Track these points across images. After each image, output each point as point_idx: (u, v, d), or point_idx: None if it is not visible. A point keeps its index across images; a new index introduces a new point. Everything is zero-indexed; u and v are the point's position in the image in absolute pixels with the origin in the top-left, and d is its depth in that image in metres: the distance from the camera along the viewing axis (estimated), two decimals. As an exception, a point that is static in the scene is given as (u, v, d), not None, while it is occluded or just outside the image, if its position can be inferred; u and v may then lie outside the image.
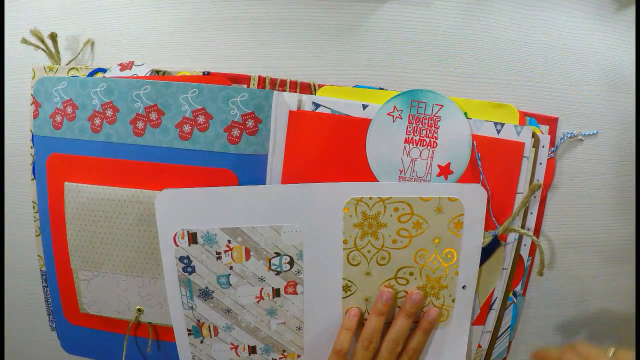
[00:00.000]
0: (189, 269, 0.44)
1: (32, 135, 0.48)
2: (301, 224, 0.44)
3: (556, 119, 0.47)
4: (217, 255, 0.44)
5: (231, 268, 0.44)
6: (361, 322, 0.46)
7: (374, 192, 0.43)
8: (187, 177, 0.44)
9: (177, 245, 0.44)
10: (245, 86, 0.45)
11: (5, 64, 0.51)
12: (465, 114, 0.44)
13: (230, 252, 0.44)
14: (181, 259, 0.44)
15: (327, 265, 0.45)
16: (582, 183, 0.48)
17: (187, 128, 0.44)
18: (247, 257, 0.44)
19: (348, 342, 0.44)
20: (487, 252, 0.46)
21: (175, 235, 0.43)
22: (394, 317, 0.45)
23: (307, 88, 0.45)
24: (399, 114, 0.44)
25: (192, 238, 0.44)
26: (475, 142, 0.44)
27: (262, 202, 0.43)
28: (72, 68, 0.48)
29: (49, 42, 0.48)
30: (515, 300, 0.49)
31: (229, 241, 0.44)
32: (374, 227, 0.44)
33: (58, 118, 0.45)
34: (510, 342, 0.51)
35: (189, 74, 0.46)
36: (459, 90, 0.46)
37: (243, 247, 0.44)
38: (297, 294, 0.46)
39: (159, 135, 0.44)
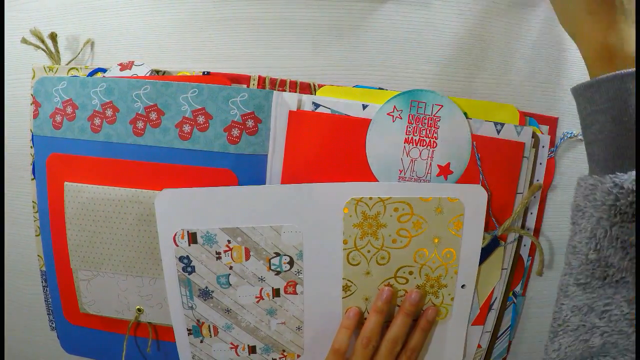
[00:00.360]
0: (189, 269, 0.44)
1: (32, 135, 0.48)
2: (301, 224, 0.44)
3: (556, 119, 0.47)
4: (217, 255, 0.44)
5: (231, 268, 0.44)
6: (361, 321, 0.46)
7: (374, 192, 0.43)
8: (187, 177, 0.44)
9: (177, 245, 0.44)
10: (245, 86, 0.45)
11: (5, 64, 0.51)
12: (465, 114, 0.44)
13: (230, 252, 0.44)
14: (181, 258, 0.44)
15: (327, 266, 0.45)
16: (582, 183, 0.48)
17: (187, 128, 0.44)
18: (247, 257, 0.44)
19: (346, 341, 0.44)
20: (487, 251, 0.46)
21: (175, 235, 0.43)
22: (394, 317, 0.45)
23: (307, 88, 0.45)
24: (399, 114, 0.44)
25: (192, 238, 0.44)
26: (475, 142, 0.44)
27: (262, 202, 0.43)
28: (72, 68, 0.48)
29: (49, 42, 0.48)
30: (515, 300, 0.49)
31: (229, 241, 0.44)
32: (373, 227, 0.44)
33: (58, 118, 0.45)
34: (510, 342, 0.51)
35: (188, 74, 0.46)
36: (459, 90, 0.46)
37: (243, 247, 0.44)
38: (297, 294, 0.46)
39: (159, 135, 0.44)
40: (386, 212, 0.44)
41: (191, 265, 0.44)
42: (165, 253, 0.44)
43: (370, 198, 0.43)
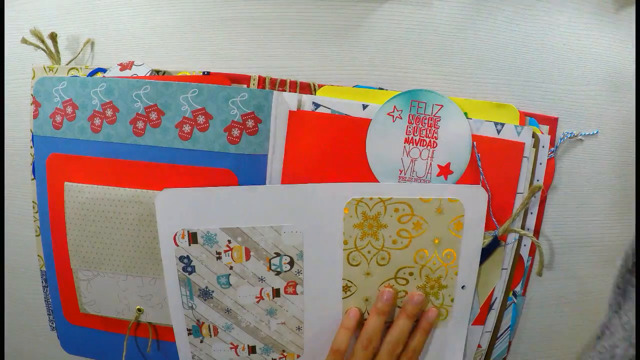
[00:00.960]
0: (189, 269, 0.44)
1: (32, 135, 0.48)
2: (301, 224, 0.44)
3: (556, 119, 0.47)
4: (217, 255, 0.44)
5: (231, 268, 0.44)
6: (361, 322, 0.46)
7: (374, 192, 0.43)
8: (187, 177, 0.44)
9: (177, 245, 0.44)
10: (245, 86, 0.45)
11: (5, 64, 0.51)
12: (465, 114, 0.44)
13: (230, 252, 0.44)
14: (181, 258, 0.44)
15: (327, 266, 0.45)
16: (582, 183, 0.48)
17: (187, 128, 0.43)
18: (247, 257, 0.44)
19: (346, 342, 0.44)
20: (487, 252, 0.46)
21: (176, 235, 0.43)
22: (395, 318, 0.45)
23: (307, 88, 0.45)
24: (399, 114, 0.44)
25: (192, 238, 0.44)
26: (475, 142, 0.44)
27: (263, 202, 0.43)
28: (72, 68, 0.48)
29: (49, 42, 0.48)
30: (515, 300, 0.49)
31: (229, 241, 0.44)
32: (374, 227, 0.44)
33: (58, 118, 0.45)
34: (510, 342, 0.51)
35: (189, 74, 0.46)
36: (459, 90, 0.46)
37: (243, 247, 0.44)
38: (297, 294, 0.46)
39: (159, 135, 0.44)
40: (387, 213, 0.43)
41: (191, 265, 0.44)
42: (165, 253, 0.44)
43: (371, 198, 0.43)
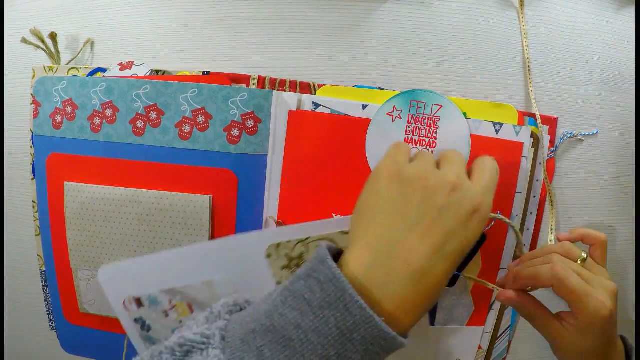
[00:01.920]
0: (146, 328, 0.44)
1: (32, 135, 0.48)
2: (231, 275, 0.42)
3: (556, 119, 0.47)
4: (165, 314, 0.43)
5: (180, 322, 0.44)
6: None
7: (292, 235, 0.42)
8: (187, 177, 0.44)
9: (129, 310, 0.43)
10: (245, 86, 0.45)
11: (5, 64, 0.51)
12: (465, 114, 0.44)
13: (175, 308, 0.43)
14: (136, 320, 0.44)
15: None
16: (582, 183, 0.48)
17: (186, 128, 0.44)
18: (192, 311, 0.43)
19: None
20: (474, 249, 0.45)
21: (124, 301, 0.43)
22: None
23: (307, 88, 0.45)
24: (399, 114, 0.44)
25: (138, 302, 0.43)
26: (474, 142, 0.44)
27: (189, 261, 0.42)
28: (72, 68, 0.48)
29: (49, 42, 0.48)
30: (515, 300, 0.49)
31: (170, 300, 0.43)
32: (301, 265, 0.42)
33: (58, 118, 0.45)
34: (510, 342, 0.51)
35: (188, 74, 0.46)
36: (459, 90, 0.46)
37: (185, 302, 0.43)
38: None
39: (159, 135, 0.44)
40: (310, 251, 0.42)
41: (147, 324, 0.44)
42: (122, 317, 0.43)
43: (289, 241, 0.42)
